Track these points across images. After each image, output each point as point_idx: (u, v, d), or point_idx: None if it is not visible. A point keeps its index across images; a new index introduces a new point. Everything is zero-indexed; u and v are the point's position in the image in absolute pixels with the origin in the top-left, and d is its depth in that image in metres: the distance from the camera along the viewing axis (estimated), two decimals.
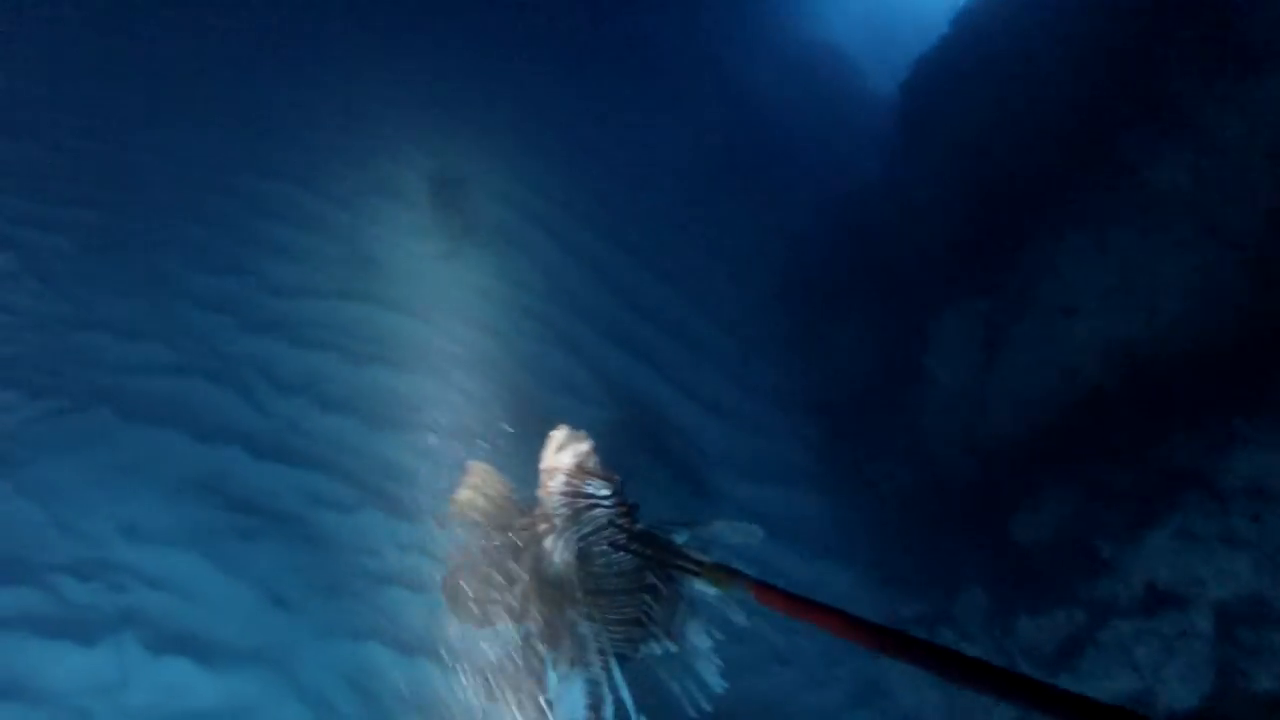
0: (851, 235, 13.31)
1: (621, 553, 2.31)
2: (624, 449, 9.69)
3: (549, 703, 2.22)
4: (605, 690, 2.14)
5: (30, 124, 10.62)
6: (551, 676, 2.23)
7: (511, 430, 8.72)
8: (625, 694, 2.14)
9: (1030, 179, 9.10)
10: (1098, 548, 6.24)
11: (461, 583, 2.47)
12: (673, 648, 2.37)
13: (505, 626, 2.35)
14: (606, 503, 2.32)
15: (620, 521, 2.34)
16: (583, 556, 2.28)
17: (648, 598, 2.32)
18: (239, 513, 7.51)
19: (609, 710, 2.13)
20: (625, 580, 2.32)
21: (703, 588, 2.30)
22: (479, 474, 2.72)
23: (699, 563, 2.05)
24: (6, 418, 7.47)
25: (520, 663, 2.34)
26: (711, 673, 2.45)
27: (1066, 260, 7.18)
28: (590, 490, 2.30)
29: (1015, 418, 7.72)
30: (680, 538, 2.45)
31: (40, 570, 6.55)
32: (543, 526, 2.34)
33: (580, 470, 2.31)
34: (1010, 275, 7.95)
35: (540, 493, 2.36)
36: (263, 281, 9.48)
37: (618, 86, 15.98)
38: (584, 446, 2.34)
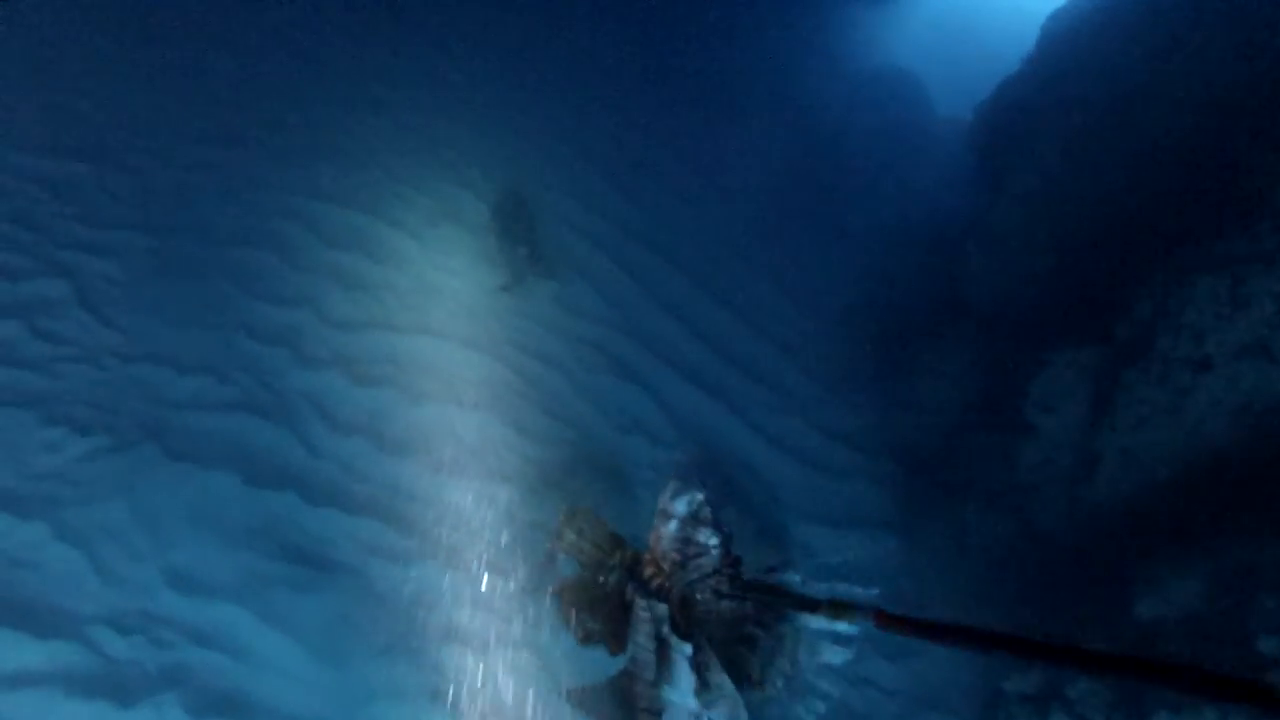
0: (930, 271, 12.63)
1: (724, 601, 2.30)
2: (681, 486, 9.03)
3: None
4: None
5: (77, 142, 10.31)
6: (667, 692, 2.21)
7: (578, 481, 8.18)
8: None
9: (1137, 220, 8.42)
10: (1250, 634, 5.52)
11: (572, 605, 2.46)
12: (757, 696, 2.28)
13: (608, 651, 2.33)
14: (714, 552, 2.34)
15: (727, 571, 2.36)
16: (687, 601, 2.28)
17: (743, 649, 2.31)
18: (292, 562, 7.02)
19: None
20: (724, 628, 2.30)
21: (820, 623, 2.25)
22: (582, 516, 2.68)
23: (814, 600, 2.05)
24: (52, 457, 7.06)
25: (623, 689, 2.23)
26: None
27: (1195, 310, 6.47)
28: (701, 539, 2.33)
29: (1130, 479, 7.01)
30: (791, 577, 2.40)
31: (78, 622, 6.12)
32: (649, 570, 2.36)
33: (693, 519, 2.35)
34: (1122, 324, 7.25)
35: (651, 536, 2.38)
36: (322, 313, 9.01)
37: (685, 112, 15.43)
38: (699, 496, 2.36)
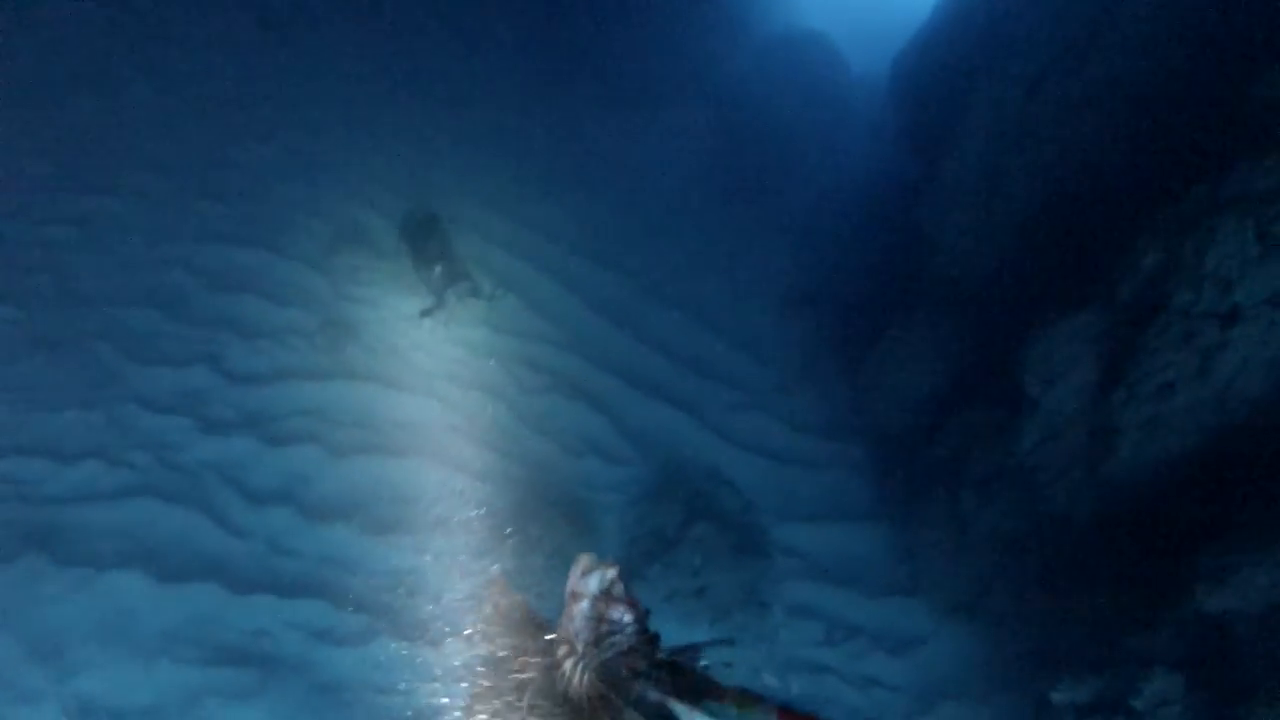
0: (879, 242, 11.90)
1: (640, 681, 2.09)
2: (667, 514, 8.22)
3: None
4: None
5: None
6: None
7: (536, 523, 7.29)
8: None
9: (1121, 164, 7.69)
10: None
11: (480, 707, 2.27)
12: None
13: None
14: (629, 629, 2.14)
15: (644, 649, 2.15)
16: (601, 683, 2.09)
17: None
18: (225, 666, 6.05)
19: None
20: (643, 710, 2.08)
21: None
22: (499, 589, 2.54)
23: (721, 690, 1.93)
24: None
25: None
26: None
27: (1217, 257, 5.70)
28: (614, 616, 2.12)
29: (1156, 451, 6.28)
30: (703, 661, 2.22)
31: None
32: (563, 650, 2.16)
33: (606, 596, 2.13)
34: (1126, 281, 6.48)
35: (563, 617, 2.17)
36: (223, 369, 7.93)
37: (598, 109, 14.32)
38: (610, 573, 2.14)
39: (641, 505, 8.48)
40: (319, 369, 8.25)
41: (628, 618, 2.18)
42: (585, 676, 2.15)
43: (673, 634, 7.43)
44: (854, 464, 9.99)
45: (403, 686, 6.27)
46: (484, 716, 2.27)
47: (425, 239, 9.40)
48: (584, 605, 2.19)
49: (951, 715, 7.67)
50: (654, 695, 2.12)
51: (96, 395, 7.31)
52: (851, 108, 16.34)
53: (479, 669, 2.41)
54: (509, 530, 7.17)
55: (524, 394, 8.94)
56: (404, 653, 6.43)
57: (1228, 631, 5.43)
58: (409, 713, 6.15)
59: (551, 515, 7.57)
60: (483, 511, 7.37)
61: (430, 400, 8.35)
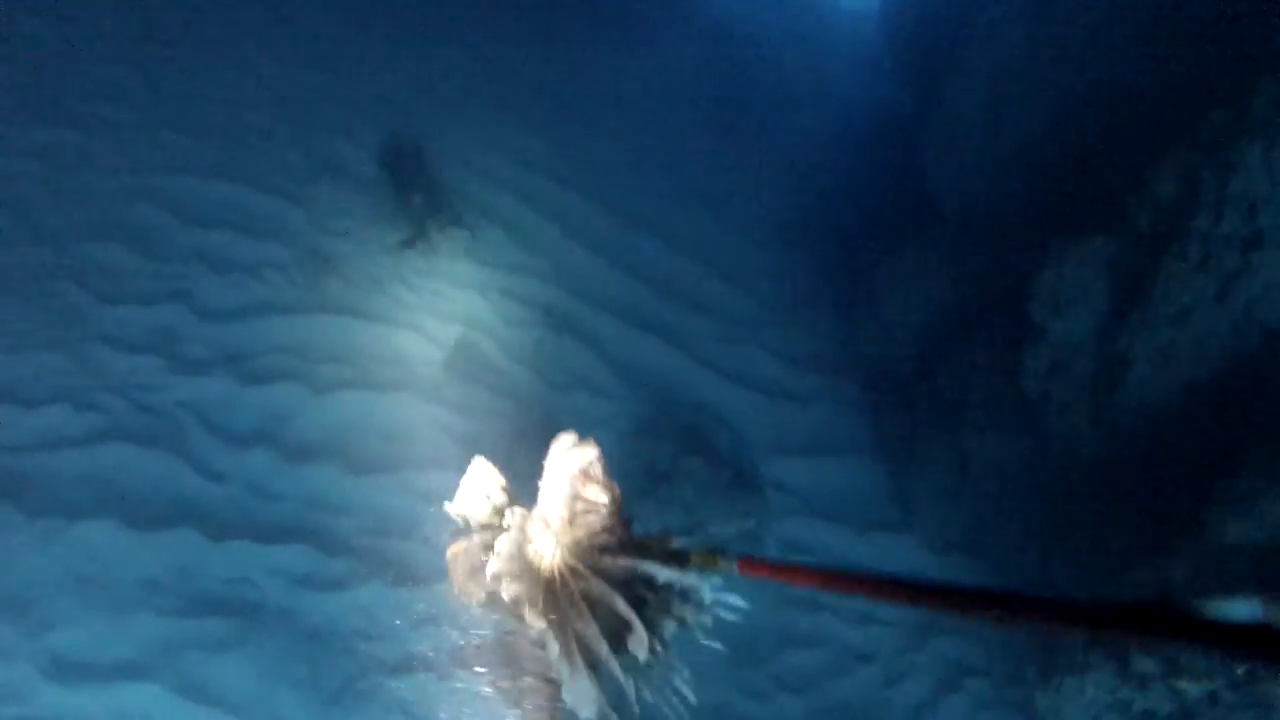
0: (874, 174, 11.52)
1: (610, 558, 2.11)
2: (658, 449, 7.99)
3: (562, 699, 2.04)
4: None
5: None
6: (563, 673, 2.10)
7: (522, 456, 6.98)
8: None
9: (1133, 87, 7.28)
10: None
11: (463, 570, 2.30)
12: (650, 659, 2.12)
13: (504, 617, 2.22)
14: (604, 510, 2.12)
15: (616, 531, 2.15)
16: (572, 558, 2.11)
17: (624, 606, 2.07)
18: (203, 616, 5.81)
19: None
20: (612, 582, 2.09)
21: (696, 582, 2.06)
22: (481, 471, 2.46)
23: (683, 553, 1.94)
24: None
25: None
26: (683, 684, 2.16)
27: (1242, 180, 5.37)
28: (589, 496, 2.11)
29: (1168, 381, 6.02)
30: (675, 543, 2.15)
31: None
32: (538, 525, 2.16)
33: (583, 475, 2.10)
34: (1141, 207, 6.14)
35: (540, 492, 2.16)
36: (196, 305, 7.57)
37: (584, 39, 13.65)
38: (590, 453, 2.12)
39: (631, 440, 8.25)
40: (296, 303, 7.91)
41: (603, 498, 2.17)
42: (558, 552, 2.16)
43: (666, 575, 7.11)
44: (846, 399, 9.76)
45: (392, 631, 6.08)
46: (459, 573, 2.27)
47: (406, 169, 9.02)
48: (562, 481, 2.17)
49: (944, 649, 7.59)
50: (623, 564, 2.12)
51: (61, 336, 6.96)
52: (841, 39, 15.76)
53: (454, 539, 2.40)
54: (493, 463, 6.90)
55: (509, 327, 8.63)
56: (392, 596, 6.22)
57: (1237, 557, 5.22)
58: (398, 657, 5.97)
59: (537, 450, 7.28)
60: (469, 448, 7.09)
61: (412, 334, 8.04)
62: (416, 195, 8.97)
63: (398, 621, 6.09)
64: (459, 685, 5.79)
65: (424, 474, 6.98)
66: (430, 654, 6.00)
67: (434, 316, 8.29)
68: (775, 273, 11.02)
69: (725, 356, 9.66)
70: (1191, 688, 5.23)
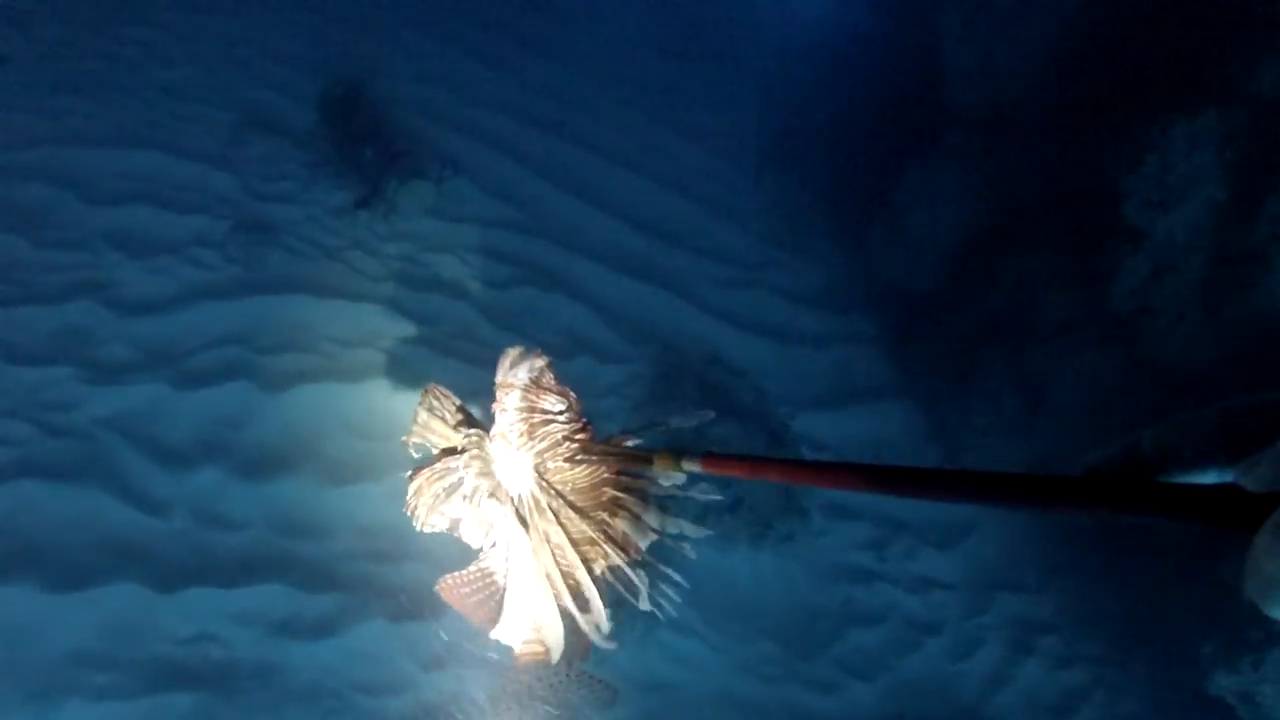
0: (855, 82, 10.17)
1: (576, 467, 1.89)
2: (673, 410, 6.64)
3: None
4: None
5: None
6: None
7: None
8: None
9: None
10: None
11: (426, 502, 1.93)
12: (627, 558, 1.93)
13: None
14: (561, 418, 1.83)
15: (577, 437, 1.86)
16: (540, 473, 1.88)
17: (604, 515, 1.91)
18: (160, 690, 4.51)
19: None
20: (582, 496, 1.91)
21: (665, 481, 1.84)
22: (434, 394, 2.05)
23: (648, 454, 1.72)
24: None
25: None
26: (671, 587, 1.89)
27: None
28: (545, 406, 1.83)
29: None
30: (635, 442, 1.93)
31: None
32: (498, 446, 1.87)
33: (536, 386, 1.82)
34: (1261, 67, 4.88)
35: (495, 409, 1.85)
36: (112, 298, 6.11)
37: None
38: (540, 362, 1.82)
39: (648, 408, 6.97)
40: (236, 284, 6.46)
41: (559, 406, 1.83)
42: (521, 471, 1.86)
43: (710, 558, 5.42)
44: (863, 337, 8.68)
45: (401, 679, 4.80)
46: (423, 506, 1.91)
47: (349, 118, 7.58)
48: (514, 396, 1.81)
49: (1010, 607, 6.75)
50: (591, 474, 1.87)
51: None
52: None
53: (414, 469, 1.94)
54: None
55: (491, 289, 7.26)
56: (396, 634, 4.92)
57: None
58: (412, 710, 4.70)
59: None
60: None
61: (378, 307, 6.65)
62: (366, 148, 7.52)
63: (407, 666, 4.82)
64: None
65: (404, 476, 5.61)
66: (450, 704, 4.73)
67: (403, 285, 6.90)
68: (771, 205, 9.76)
69: (733, 302, 8.45)
70: None
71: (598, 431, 1.90)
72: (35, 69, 7.67)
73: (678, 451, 1.66)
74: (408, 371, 6.23)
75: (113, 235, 6.52)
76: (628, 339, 7.48)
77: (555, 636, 1.89)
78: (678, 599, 1.86)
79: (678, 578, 1.90)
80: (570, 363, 7.03)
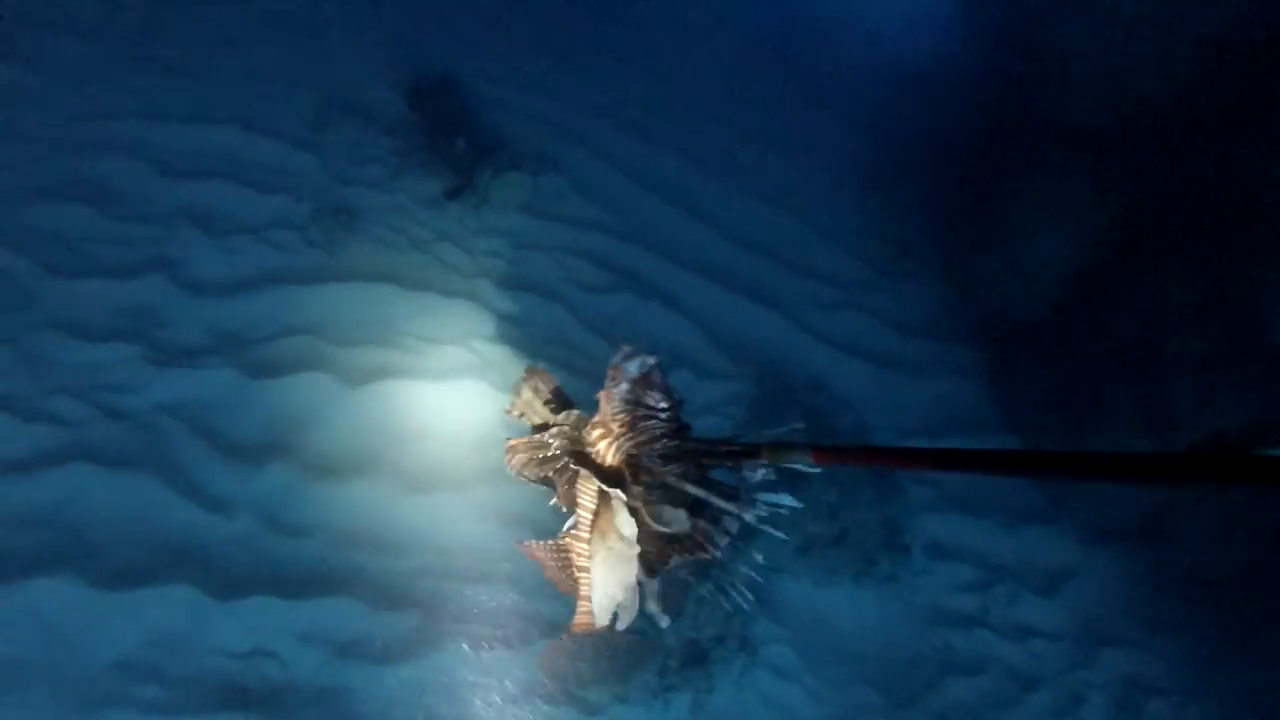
0: (957, 100, 9.57)
1: (670, 465, 1.85)
2: (764, 431, 6.05)
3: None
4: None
5: None
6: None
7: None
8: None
9: None
10: None
11: (520, 459, 1.98)
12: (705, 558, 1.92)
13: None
14: (663, 415, 1.86)
15: (675, 436, 1.86)
16: (632, 463, 1.85)
17: (684, 513, 1.87)
18: (211, 710, 3.88)
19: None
20: (668, 493, 1.85)
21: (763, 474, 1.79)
22: (539, 375, 2.10)
23: (754, 446, 1.73)
24: None
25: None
26: (742, 589, 1.91)
27: None
28: (650, 401, 1.86)
29: None
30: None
31: None
32: (598, 431, 1.87)
33: (644, 381, 1.86)
34: None
35: (601, 397, 1.84)
36: (184, 277, 5.62)
37: None
38: (651, 359, 1.86)
39: (749, 430, 6.30)
40: (317, 270, 5.94)
41: (663, 404, 1.84)
42: (617, 457, 1.84)
43: (810, 594, 4.55)
44: (964, 367, 7.99)
45: (479, 714, 4.17)
46: (518, 458, 1.94)
47: (441, 109, 7.09)
48: (623, 387, 1.82)
49: (1115, 662, 6.05)
50: (681, 471, 1.81)
51: (1, 323, 4.99)
52: None
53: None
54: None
55: (586, 293, 6.68)
56: (475, 663, 4.30)
57: None
58: None
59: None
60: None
61: (468, 304, 6.09)
62: (458, 138, 7.01)
63: (492, 699, 4.18)
64: None
65: (499, 488, 5.02)
66: None
67: (493, 282, 6.34)
68: (868, 226, 9.14)
69: (833, 324, 7.83)
70: None
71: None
72: (116, 44, 7.26)
73: (785, 445, 1.65)
74: (498, 374, 5.64)
75: (188, 211, 6.04)
76: (727, 355, 6.88)
77: (628, 607, 1.80)
78: (751, 598, 1.82)
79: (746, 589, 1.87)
80: (668, 375, 6.42)
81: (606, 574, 1.82)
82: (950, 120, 9.79)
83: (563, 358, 6.02)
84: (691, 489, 1.86)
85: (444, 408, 5.35)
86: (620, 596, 1.81)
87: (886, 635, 5.82)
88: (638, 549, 1.81)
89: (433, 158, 7.00)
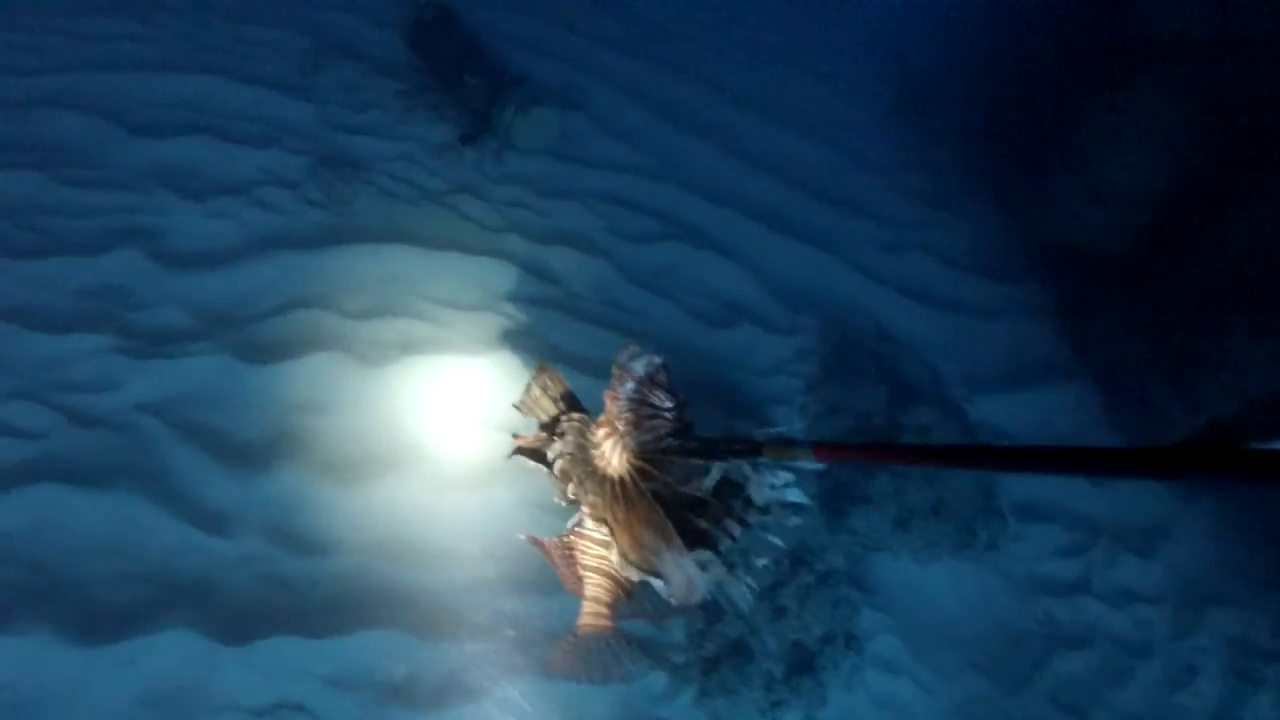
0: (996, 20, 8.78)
1: (675, 464, 1.99)
2: (867, 398, 5.56)
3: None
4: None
5: None
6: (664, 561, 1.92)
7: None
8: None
9: None
10: None
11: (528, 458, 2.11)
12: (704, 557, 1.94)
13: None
14: (669, 415, 2.01)
15: (682, 436, 2.03)
16: (634, 462, 1.99)
17: (689, 513, 2.00)
18: None
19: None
20: (671, 490, 1.98)
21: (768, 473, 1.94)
22: (549, 374, 2.27)
23: (756, 443, 1.84)
24: None
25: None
26: (743, 592, 1.97)
27: None
28: (655, 401, 2.01)
29: None
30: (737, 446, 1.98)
31: None
32: (603, 430, 2.02)
33: (650, 382, 2.00)
34: None
35: (606, 396, 2.01)
36: (161, 248, 4.74)
37: None
38: (657, 360, 2.02)
39: (825, 389, 5.54)
40: (317, 232, 5.05)
41: (668, 404, 1.97)
42: (622, 456, 1.97)
43: (910, 572, 5.01)
44: (1032, 308, 7.30)
45: None
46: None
47: (444, 43, 6.18)
48: (629, 387, 1.97)
49: (1222, 625, 5.47)
50: (691, 463, 1.94)
51: None
52: None
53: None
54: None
55: (627, 243, 5.82)
56: (554, 697, 3.48)
57: None
58: None
59: (710, 417, 4.64)
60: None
61: (497, 262, 5.21)
62: (469, 75, 6.10)
63: None
64: None
65: (536, 488, 4.14)
66: None
67: (522, 235, 5.45)
68: (913, 157, 8.44)
69: (893, 267, 7.07)
70: None
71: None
72: None
73: (786, 443, 1.72)
74: (536, 341, 4.77)
75: (162, 173, 5.12)
76: (788, 305, 6.08)
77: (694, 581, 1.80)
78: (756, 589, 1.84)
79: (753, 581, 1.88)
80: (731, 332, 5.58)
81: (665, 553, 1.78)
82: (1010, 39, 9.04)
83: (609, 316, 5.18)
84: (697, 489, 1.90)
85: (479, 384, 4.48)
86: (688, 571, 1.77)
87: (989, 612, 5.19)
88: (668, 524, 1.80)
89: (441, 100, 6.09)
